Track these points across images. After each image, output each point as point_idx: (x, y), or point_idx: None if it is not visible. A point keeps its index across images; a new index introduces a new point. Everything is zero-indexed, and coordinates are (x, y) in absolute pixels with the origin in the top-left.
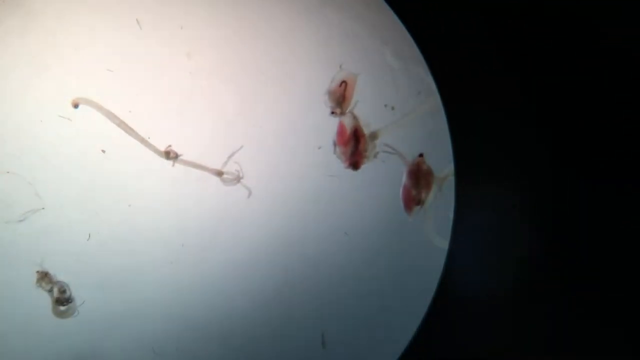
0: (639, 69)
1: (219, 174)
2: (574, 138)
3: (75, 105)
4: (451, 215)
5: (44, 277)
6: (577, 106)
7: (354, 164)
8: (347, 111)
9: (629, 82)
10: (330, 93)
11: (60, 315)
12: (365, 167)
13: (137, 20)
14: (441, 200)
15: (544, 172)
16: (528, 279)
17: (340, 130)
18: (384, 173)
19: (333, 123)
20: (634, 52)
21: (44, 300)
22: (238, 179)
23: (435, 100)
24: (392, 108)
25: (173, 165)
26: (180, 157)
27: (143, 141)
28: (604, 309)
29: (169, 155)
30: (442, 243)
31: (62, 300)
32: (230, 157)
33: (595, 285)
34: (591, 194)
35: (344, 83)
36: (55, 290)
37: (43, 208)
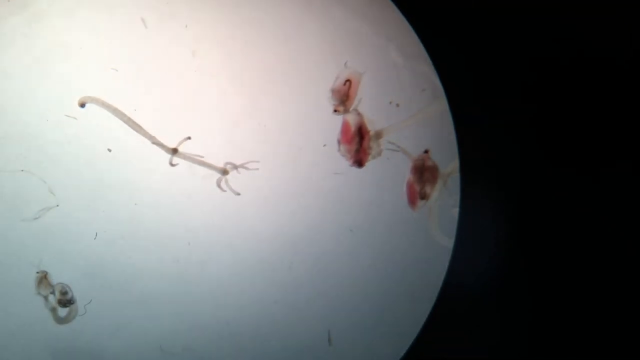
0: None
1: (225, 172)
2: (578, 137)
3: (82, 105)
4: (456, 213)
5: (42, 279)
6: (584, 105)
7: (359, 162)
8: (350, 109)
9: (633, 84)
10: (335, 91)
11: (61, 321)
12: (369, 164)
13: (142, 19)
14: (446, 197)
15: (548, 171)
16: (533, 276)
17: (344, 128)
18: (388, 170)
19: (338, 121)
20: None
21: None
22: (244, 176)
23: (440, 97)
24: (397, 105)
25: (181, 161)
26: (186, 155)
27: (150, 137)
28: (609, 310)
29: (176, 152)
30: (447, 241)
31: (64, 301)
32: (235, 155)
33: (601, 285)
34: (595, 193)
35: (348, 82)
36: (57, 292)
37: (57, 205)
